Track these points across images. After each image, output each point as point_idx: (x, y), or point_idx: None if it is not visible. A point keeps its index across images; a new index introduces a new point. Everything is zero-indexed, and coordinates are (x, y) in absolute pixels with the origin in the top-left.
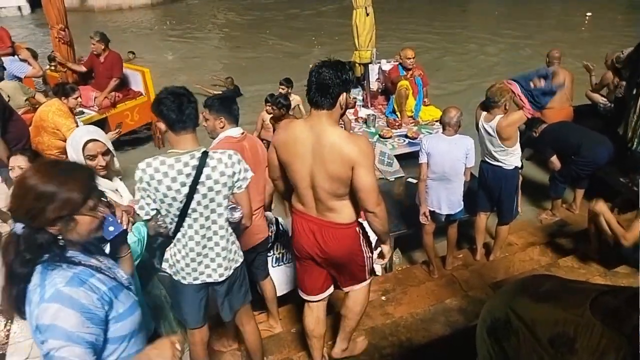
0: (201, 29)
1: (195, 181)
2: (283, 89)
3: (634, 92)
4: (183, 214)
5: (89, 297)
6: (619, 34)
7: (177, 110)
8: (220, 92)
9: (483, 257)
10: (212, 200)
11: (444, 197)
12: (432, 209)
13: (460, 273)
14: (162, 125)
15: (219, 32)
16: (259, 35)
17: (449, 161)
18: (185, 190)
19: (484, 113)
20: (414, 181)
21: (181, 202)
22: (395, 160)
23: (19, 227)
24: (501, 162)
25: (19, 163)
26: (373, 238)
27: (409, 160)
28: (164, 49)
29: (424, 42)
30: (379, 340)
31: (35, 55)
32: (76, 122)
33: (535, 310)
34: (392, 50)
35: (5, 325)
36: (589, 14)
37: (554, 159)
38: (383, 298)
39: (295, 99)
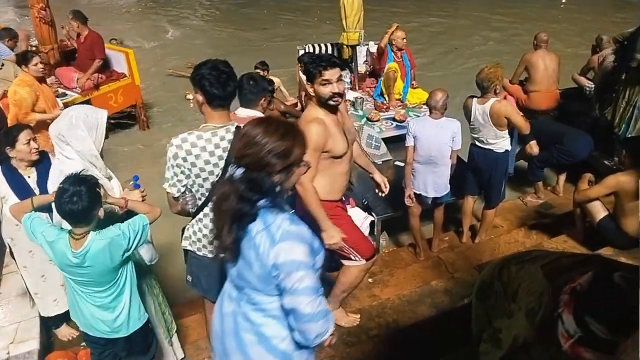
0: (187, 11)
1: (231, 155)
2: (259, 72)
3: (623, 77)
4: (215, 187)
5: (307, 231)
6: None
7: (220, 87)
8: None
9: (469, 239)
10: None
11: (431, 180)
12: (418, 192)
13: (446, 255)
14: (200, 97)
15: (205, 14)
16: (245, 18)
17: (436, 144)
18: (222, 163)
19: (476, 98)
20: (402, 164)
21: (217, 175)
22: (382, 143)
23: (239, 172)
24: (492, 145)
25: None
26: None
27: (396, 143)
28: (148, 31)
29: (412, 24)
30: (365, 321)
31: (14, 36)
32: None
33: (513, 271)
34: (381, 32)
35: None
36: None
37: (533, 143)
38: (370, 280)
39: (275, 81)
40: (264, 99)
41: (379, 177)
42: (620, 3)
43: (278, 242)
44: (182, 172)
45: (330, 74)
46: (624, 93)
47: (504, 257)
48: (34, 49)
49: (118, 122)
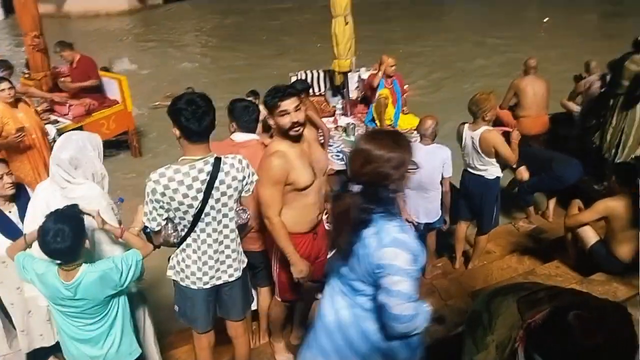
0: (178, 36)
1: (210, 186)
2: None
3: (611, 103)
4: (196, 219)
5: (414, 241)
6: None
7: (196, 122)
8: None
9: (462, 265)
10: (224, 204)
11: (422, 206)
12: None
13: (439, 282)
14: (177, 131)
15: (196, 40)
16: (236, 44)
17: (426, 171)
18: (201, 196)
19: (467, 124)
20: None
21: (196, 208)
22: None
23: (356, 187)
24: (482, 171)
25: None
26: None
27: None
28: (139, 56)
29: (403, 51)
30: None
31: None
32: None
33: (496, 303)
34: (372, 59)
35: None
36: (546, 18)
37: (523, 169)
38: None
39: (262, 110)
40: (259, 123)
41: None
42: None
43: (385, 246)
44: (161, 207)
45: (287, 104)
46: (611, 119)
47: (496, 287)
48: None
49: (111, 149)
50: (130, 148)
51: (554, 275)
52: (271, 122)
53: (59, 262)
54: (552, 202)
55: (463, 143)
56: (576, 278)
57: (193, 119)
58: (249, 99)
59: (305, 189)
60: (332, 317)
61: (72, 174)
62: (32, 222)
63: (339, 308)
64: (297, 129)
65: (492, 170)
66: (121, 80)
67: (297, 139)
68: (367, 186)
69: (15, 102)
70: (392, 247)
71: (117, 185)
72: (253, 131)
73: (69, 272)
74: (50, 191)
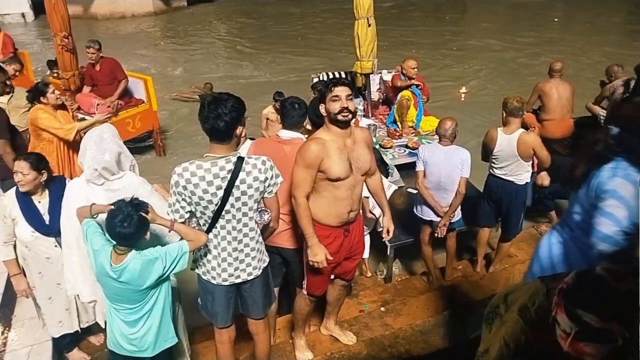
0: (202, 37)
1: (231, 185)
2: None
3: None
4: (217, 215)
5: None
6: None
7: (211, 122)
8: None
9: (483, 268)
10: (244, 203)
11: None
12: (429, 219)
13: (459, 284)
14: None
15: (220, 41)
16: (258, 45)
17: (445, 170)
18: (221, 193)
19: (501, 128)
20: (414, 191)
21: (216, 204)
22: (395, 170)
23: (615, 130)
24: (514, 177)
25: (21, 169)
26: None
27: (409, 170)
28: (164, 57)
29: (424, 53)
30: (378, 351)
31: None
32: (72, 119)
33: (516, 293)
34: (393, 61)
35: (3, 332)
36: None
37: (544, 174)
38: (382, 309)
39: (265, 111)
40: (306, 121)
41: (387, 221)
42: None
43: (617, 176)
44: (183, 200)
45: (340, 90)
46: None
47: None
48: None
49: (136, 147)
50: (155, 147)
51: None
52: (322, 109)
53: (115, 243)
54: None
55: (497, 146)
56: None
57: (210, 118)
58: (275, 100)
59: (337, 180)
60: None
61: (114, 169)
62: (67, 218)
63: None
64: (346, 113)
65: (524, 175)
66: (146, 80)
67: (344, 126)
68: (625, 131)
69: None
70: (623, 179)
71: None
72: (299, 129)
73: (120, 256)
74: (87, 186)
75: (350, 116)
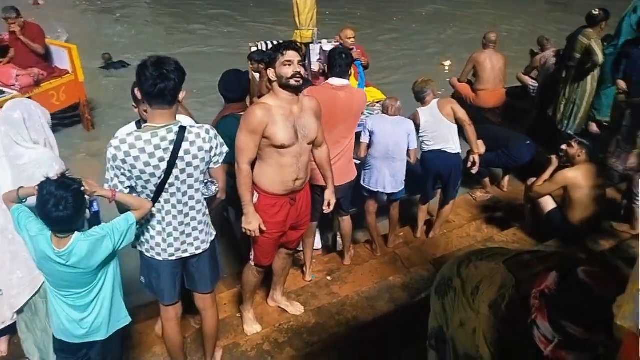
0: (131, 6)
1: (174, 156)
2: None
3: (564, 75)
4: (160, 189)
5: None
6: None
7: (152, 82)
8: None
9: (423, 234)
10: (190, 175)
11: (388, 176)
12: (375, 190)
13: (401, 250)
14: (138, 94)
15: (146, 8)
16: (191, 13)
17: (393, 139)
18: (164, 165)
19: (419, 108)
20: (357, 162)
21: (159, 177)
22: None
23: None
24: (447, 144)
25: None
26: None
27: None
28: (90, 27)
29: (364, 24)
30: (326, 319)
31: None
32: None
33: (472, 268)
34: (334, 31)
35: None
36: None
37: (480, 142)
38: (328, 278)
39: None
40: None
41: (329, 194)
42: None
43: None
44: (122, 174)
45: (292, 54)
46: (564, 91)
47: (464, 253)
48: None
49: (61, 121)
50: (82, 121)
51: (512, 242)
52: (271, 74)
53: (53, 228)
54: (507, 175)
55: (423, 122)
56: (532, 244)
57: (153, 78)
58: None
59: (282, 147)
60: None
61: (24, 135)
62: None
63: None
64: (298, 78)
65: (455, 144)
66: (71, 49)
67: (294, 91)
68: None
69: None
70: None
71: (70, 160)
72: (347, 76)
73: (62, 240)
74: None
75: (302, 82)
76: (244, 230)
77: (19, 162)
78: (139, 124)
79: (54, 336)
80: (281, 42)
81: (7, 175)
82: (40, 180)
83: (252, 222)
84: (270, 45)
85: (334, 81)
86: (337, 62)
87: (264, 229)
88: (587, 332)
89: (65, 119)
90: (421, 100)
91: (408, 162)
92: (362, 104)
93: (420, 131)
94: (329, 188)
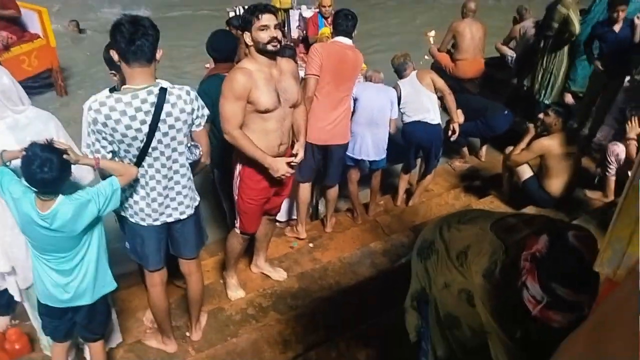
0: None
1: (156, 118)
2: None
3: (542, 45)
4: (143, 153)
5: None
6: None
7: (129, 39)
8: None
9: (403, 202)
10: (173, 138)
11: (372, 143)
12: (359, 158)
13: (382, 218)
14: (115, 55)
15: None
16: None
17: (378, 105)
18: (146, 128)
19: (399, 80)
20: None
21: (141, 141)
22: None
23: None
24: (427, 114)
25: None
26: None
27: None
28: None
29: None
30: (308, 284)
31: None
32: None
33: (454, 231)
34: None
35: None
36: None
37: (459, 111)
38: (310, 245)
39: None
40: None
41: (298, 146)
42: None
43: None
44: (104, 138)
45: (267, 18)
46: (542, 61)
47: (442, 217)
48: None
49: (33, 87)
50: (55, 87)
51: (489, 209)
52: (247, 39)
53: (37, 190)
54: (484, 144)
55: (403, 95)
56: (509, 211)
57: (130, 34)
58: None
59: (266, 112)
60: None
61: (14, 97)
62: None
63: None
64: (275, 43)
65: (436, 114)
66: (41, 11)
67: (272, 56)
68: None
69: None
70: None
71: None
72: (351, 37)
73: (46, 203)
74: None
75: (278, 46)
76: (277, 178)
77: (21, 123)
78: (113, 91)
79: (38, 301)
80: (256, 5)
81: (9, 141)
82: (51, 135)
83: (280, 168)
84: None
85: (343, 39)
86: (344, 23)
87: (291, 170)
88: (575, 294)
89: (35, 87)
90: (401, 74)
91: (389, 133)
92: (361, 66)
93: (401, 103)
94: (300, 141)
